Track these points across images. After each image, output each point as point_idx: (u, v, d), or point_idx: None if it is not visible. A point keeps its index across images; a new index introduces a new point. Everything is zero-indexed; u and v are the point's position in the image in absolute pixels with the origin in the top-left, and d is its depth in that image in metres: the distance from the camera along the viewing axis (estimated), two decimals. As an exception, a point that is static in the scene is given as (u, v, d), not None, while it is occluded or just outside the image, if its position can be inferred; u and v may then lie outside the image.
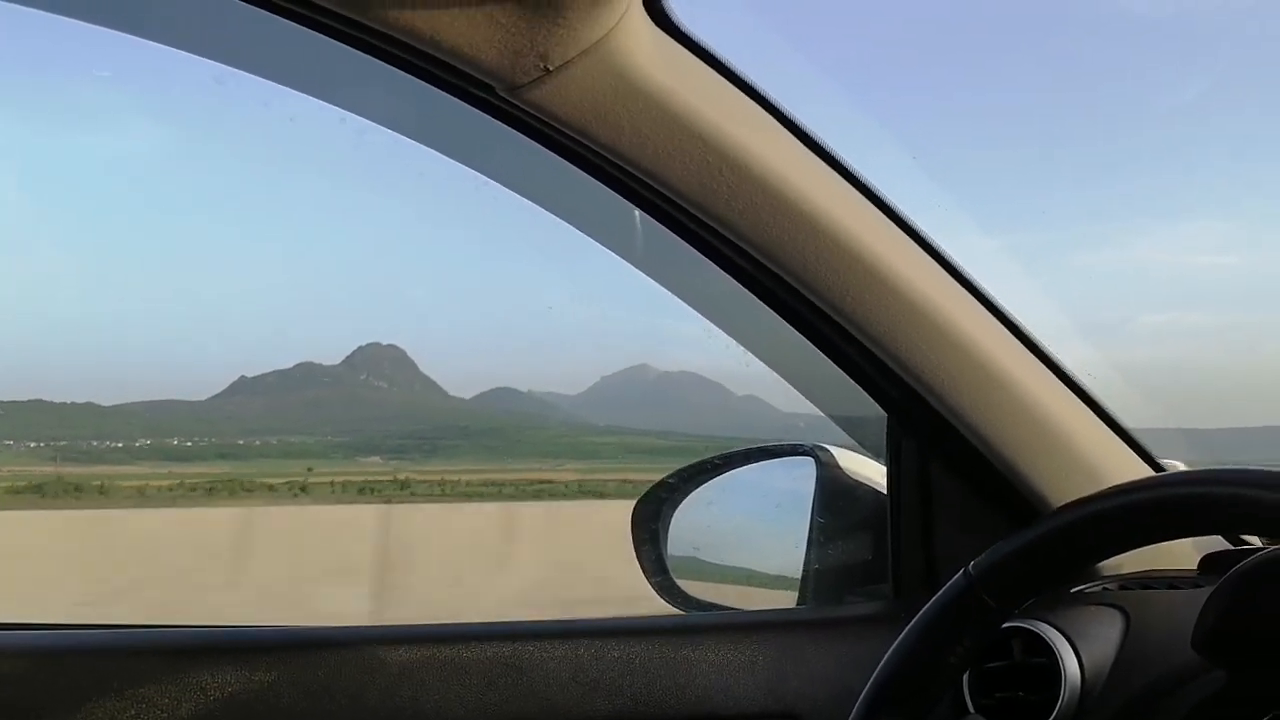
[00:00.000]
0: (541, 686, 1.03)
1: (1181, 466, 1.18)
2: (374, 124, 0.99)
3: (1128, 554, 1.02)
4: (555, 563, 7.08)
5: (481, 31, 0.77)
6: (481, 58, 0.79)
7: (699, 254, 1.03)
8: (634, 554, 1.43)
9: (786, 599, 1.37)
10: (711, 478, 1.45)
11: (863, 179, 0.99)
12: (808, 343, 1.10)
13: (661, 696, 1.06)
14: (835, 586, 1.34)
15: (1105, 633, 0.98)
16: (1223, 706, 0.85)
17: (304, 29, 0.81)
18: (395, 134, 1.00)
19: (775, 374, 1.23)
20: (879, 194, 1.00)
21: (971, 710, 0.98)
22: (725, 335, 1.20)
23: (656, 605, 1.37)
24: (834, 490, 1.33)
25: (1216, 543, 1.15)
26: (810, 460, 1.35)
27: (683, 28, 0.86)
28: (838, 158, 0.98)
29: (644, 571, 1.43)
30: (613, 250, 1.11)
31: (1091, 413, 1.13)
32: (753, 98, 0.93)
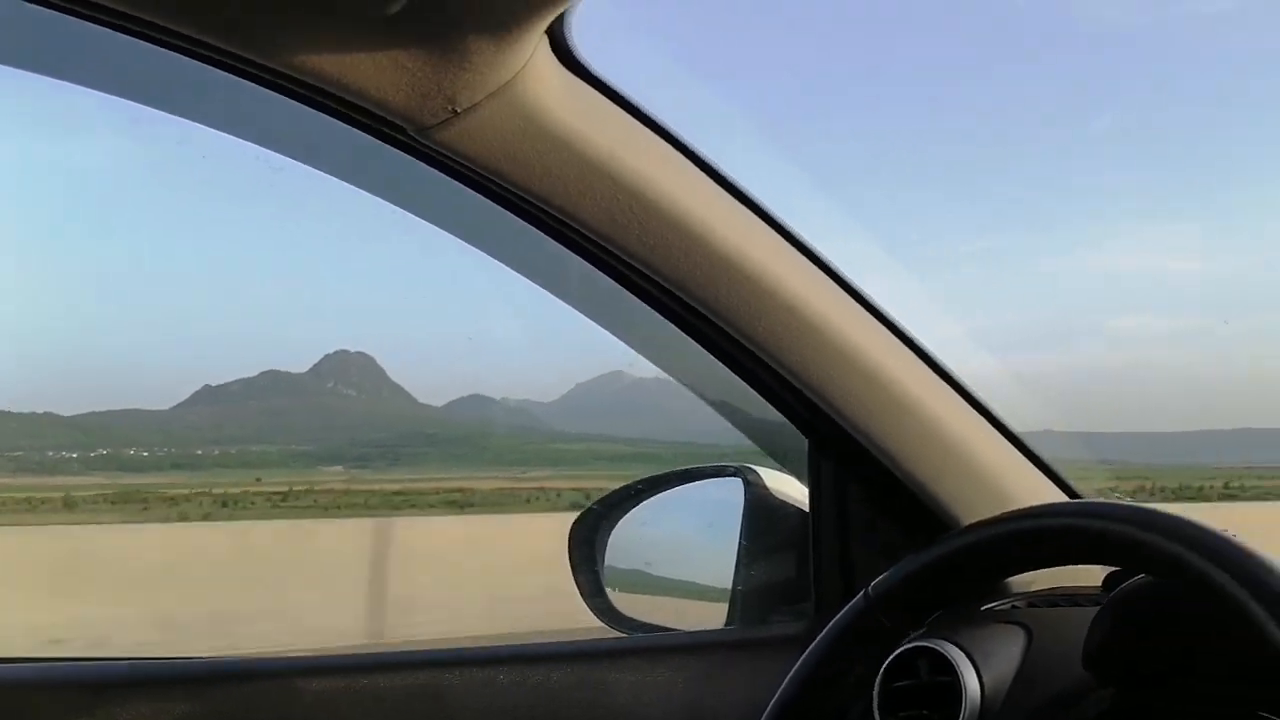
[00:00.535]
0: (459, 714, 1.05)
1: (1093, 491, 1.22)
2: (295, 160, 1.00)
3: (1040, 571, 1.05)
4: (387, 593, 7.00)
5: (387, 75, 0.79)
6: (389, 100, 0.81)
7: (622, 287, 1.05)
8: (570, 575, 1.45)
9: (719, 619, 1.40)
10: (645, 499, 1.47)
11: (770, 212, 1.02)
12: (730, 372, 1.13)
13: None
14: (761, 606, 1.37)
15: (1007, 650, 1.01)
16: None
17: (213, 69, 0.82)
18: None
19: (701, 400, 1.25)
20: (787, 227, 1.03)
21: None
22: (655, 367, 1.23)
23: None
24: (761, 511, 1.36)
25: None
26: (738, 481, 1.37)
27: (590, 68, 0.88)
28: (745, 192, 1.00)
29: (581, 593, 1.44)
30: (538, 283, 1.12)
31: (1001, 436, 1.16)
32: (660, 135, 0.95)
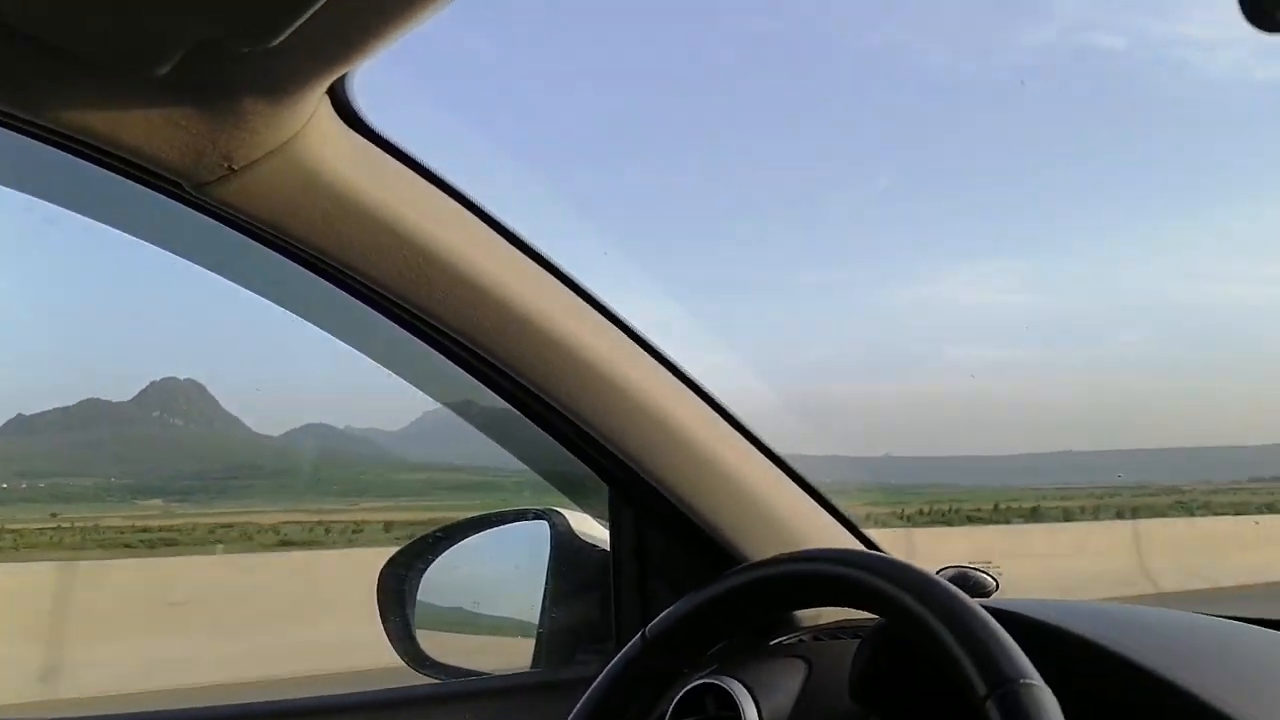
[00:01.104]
0: None
1: (874, 535, 1.29)
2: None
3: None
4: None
5: (161, 133, 0.78)
6: (163, 157, 0.80)
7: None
8: (380, 621, 1.44)
9: (527, 660, 1.41)
10: (454, 543, 1.47)
11: (561, 268, 1.05)
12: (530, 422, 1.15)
13: None
14: (567, 647, 1.39)
15: (787, 683, 1.06)
16: None
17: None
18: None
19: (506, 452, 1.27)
20: (578, 282, 1.06)
21: None
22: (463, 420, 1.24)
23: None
24: (566, 553, 1.38)
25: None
26: (545, 524, 1.39)
27: (374, 127, 0.89)
28: (535, 247, 1.03)
29: (390, 639, 1.43)
30: (333, 333, 1.12)
31: (788, 479, 1.23)
32: (447, 191, 0.97)
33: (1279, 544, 13.62)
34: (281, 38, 0.67)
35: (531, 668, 1.39)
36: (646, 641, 0.92)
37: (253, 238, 0.92)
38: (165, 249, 1.01)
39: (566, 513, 1.39)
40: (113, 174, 0.85)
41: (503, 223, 1.00)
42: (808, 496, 1.24)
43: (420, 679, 1.36)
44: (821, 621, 1.21)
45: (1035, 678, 0.69)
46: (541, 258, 1.04)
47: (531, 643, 1.41)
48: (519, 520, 1.42)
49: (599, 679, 0.92)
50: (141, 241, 1.01)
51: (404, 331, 1.04)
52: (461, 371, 1.09)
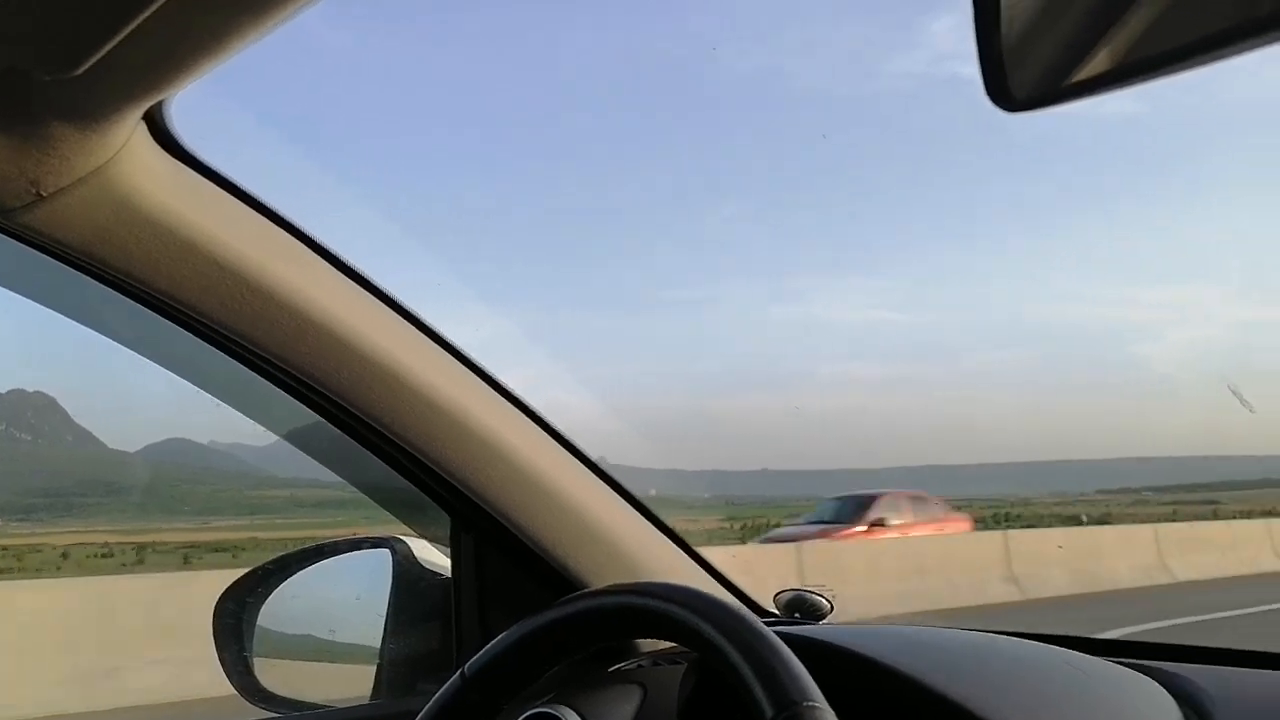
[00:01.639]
0: None
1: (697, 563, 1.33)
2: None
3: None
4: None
5: None
6: None
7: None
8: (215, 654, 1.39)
9: (367, 692, 1.38)
10: (296, 573, 1.43)
11: (395, 298, 1.04)
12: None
13: None
14: (408, 677, 1.37)
15: (621, 710, 1.07)
16: None
17: None
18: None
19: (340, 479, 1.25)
20: (413, 312, 1.06)
21: None
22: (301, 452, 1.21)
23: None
24: (408, 582, 1.36)
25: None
26: (387, 552, 1.37)
27: (195, 154, 0.87)
28: (367, 276, 1.02)
29: (225, 672, 1.38)
30: (156, 361, 1.08)
31: (629, 507, 1.25)
32: (272, 219, 0.95)
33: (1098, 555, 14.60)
34: (84, 67, 0.65)
35: (372, 699, 1.36)
36: (466, 679, 0.92)
37: (68, 264, 0.89)
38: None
39: (409, 540, 1.37)
40: None
41: (332, 250, 0.99)
42: (645, 521, 1.26)
43: (258, 713, 1.32)
44: (661, 647, 1.24)
45: (819, 700, 0.73)
46: (372, 285, 1.03)
47: (372, 673, 1.39)
48: (360, 549, 1.40)
49: (419, 717, 0.92)
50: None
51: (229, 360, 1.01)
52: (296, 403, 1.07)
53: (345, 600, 1.49)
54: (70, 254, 0.85)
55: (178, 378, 1.11)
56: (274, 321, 0.94)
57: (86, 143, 0.76)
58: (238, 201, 0.93)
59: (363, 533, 1.41)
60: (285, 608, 1.42)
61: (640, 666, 1.19)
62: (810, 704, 0.72)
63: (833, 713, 0.73)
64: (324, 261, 0.99)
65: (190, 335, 0.98)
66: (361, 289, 1.02)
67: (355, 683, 1.43)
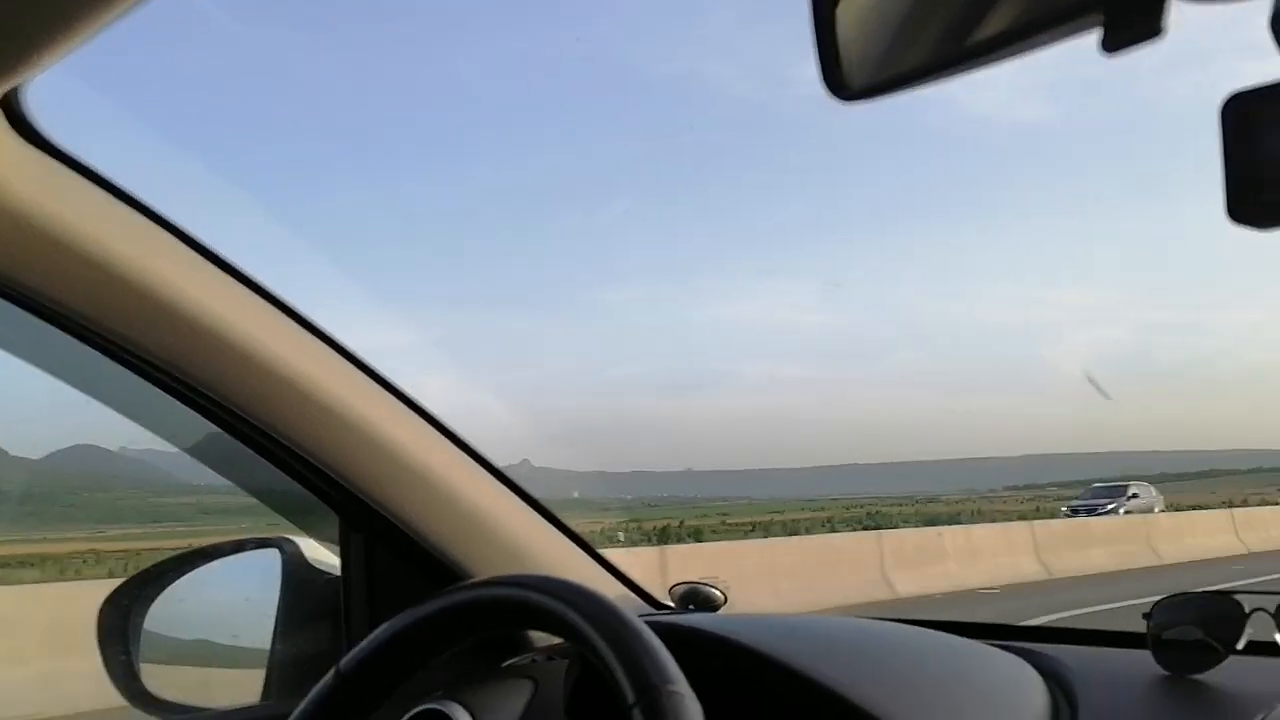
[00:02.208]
0: None
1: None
2: None
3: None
4: None
5: None
6: None
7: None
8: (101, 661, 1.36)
9: (257, 694, 1.37)
10: (182, 575, 1.41)
11: (272, 291, 1.02)
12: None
13: None
14: (297, 678, 1.36)
15: (511, 704, 1.08)
16: None
17: None
18: None
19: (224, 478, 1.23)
20: (290, 305, 1.04)
21: None
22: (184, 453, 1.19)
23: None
24: (297, 582, 1.35)
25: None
26: (276, 552, 1.36)
27: (56, 143, 0.85)
28: (238, 267, 1.00)
29: (112, 679, 1.35)
30: (39, 367, 1.05)
31: (518, 499, 1.25)
32: (142, 211, 0.93)
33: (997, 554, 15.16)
34: None
35: (261, 700, 1.35)
36: (341, 675, 0.92)
37: None
38: None
39: (299, 540, 1.36)
40: None
41: (210, 248, 0.97)
42: (538, 516, 1.27)
43: (144, 718, 1.30)
44: (554, 642, 1.25)
45: (680, 684, 0.74)
46: (252, 282, 1.01)
47: (262, 675, 1.37)
48: (247, 549, 1.38)
49: (293, 716, 0.92)
50: None
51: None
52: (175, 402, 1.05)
53: (234, 602, 1.47)
54: None
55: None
56: (147, 316, 0.92)
57: None
58: (105, 193, 0.90)
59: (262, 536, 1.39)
60: (172, 611, 1.39)
61: (535, 661, 1.20)
62: (671, 688, 0.73)
63: (693, 695, 0.74)
64: (202, 258, 0.97)
65: (68, 337, 0.96)
66: (241, 285, 1.00)
67: (245, 685, 1.41)
